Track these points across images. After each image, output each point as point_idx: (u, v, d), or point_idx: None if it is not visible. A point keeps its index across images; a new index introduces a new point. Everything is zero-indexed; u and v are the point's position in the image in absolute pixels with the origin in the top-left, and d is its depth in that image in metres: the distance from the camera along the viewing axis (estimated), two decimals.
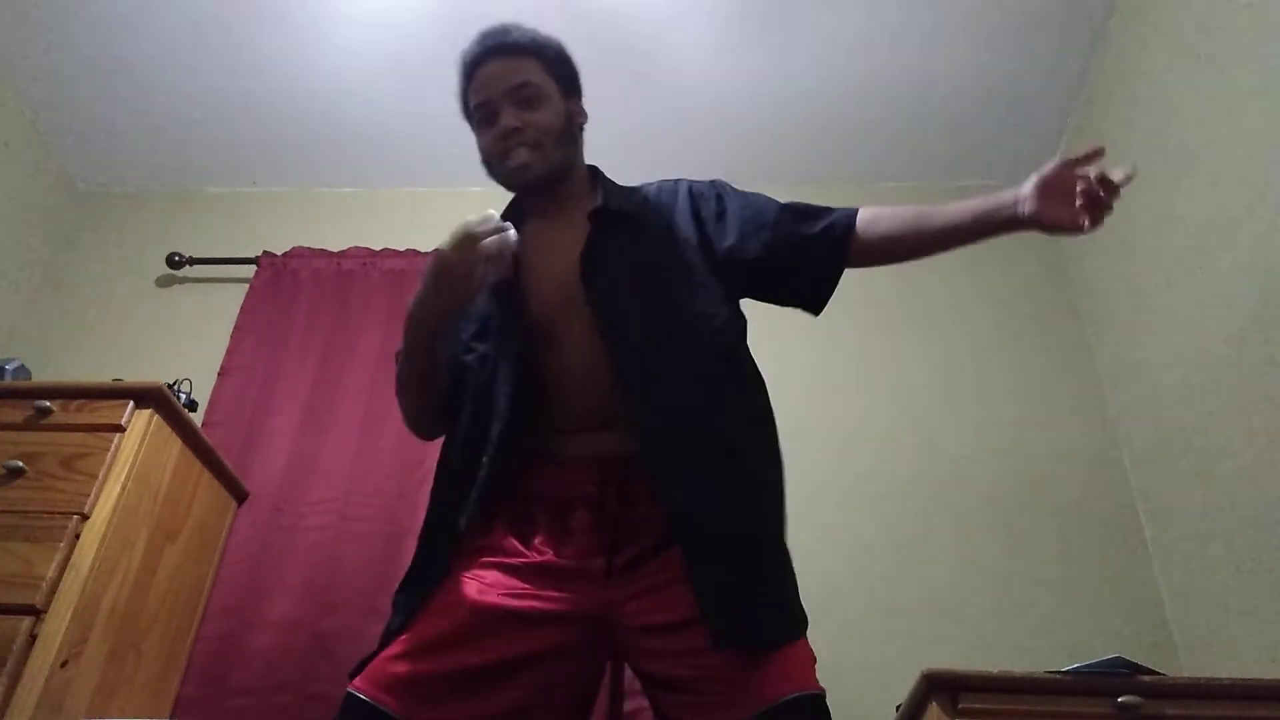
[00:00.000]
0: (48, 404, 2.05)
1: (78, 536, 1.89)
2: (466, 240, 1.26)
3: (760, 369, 1.43)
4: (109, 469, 1.98)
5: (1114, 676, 1.62)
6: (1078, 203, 1.24)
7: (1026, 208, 1.28)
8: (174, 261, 3.03)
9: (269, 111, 3.05)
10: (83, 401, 2.07)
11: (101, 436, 2.02)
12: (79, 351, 2.92)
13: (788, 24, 2.74)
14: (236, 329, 2.86)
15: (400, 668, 1.19)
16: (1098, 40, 2.73)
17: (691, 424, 1.28)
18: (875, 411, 2.72)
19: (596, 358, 1.32)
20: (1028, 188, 1.29)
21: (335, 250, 3.02)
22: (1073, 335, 2.85)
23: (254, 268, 2.99)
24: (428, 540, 1.34)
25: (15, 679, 1.72)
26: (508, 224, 1.28)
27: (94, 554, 1.88)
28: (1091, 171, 1.24)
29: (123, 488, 1.97)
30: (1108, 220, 1.26)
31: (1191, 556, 2.26)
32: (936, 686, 1.63)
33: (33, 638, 1.77)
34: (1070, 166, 1.27)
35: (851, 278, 1.45)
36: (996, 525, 2.52)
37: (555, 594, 1.23)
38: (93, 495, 1.94)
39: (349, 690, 1.19)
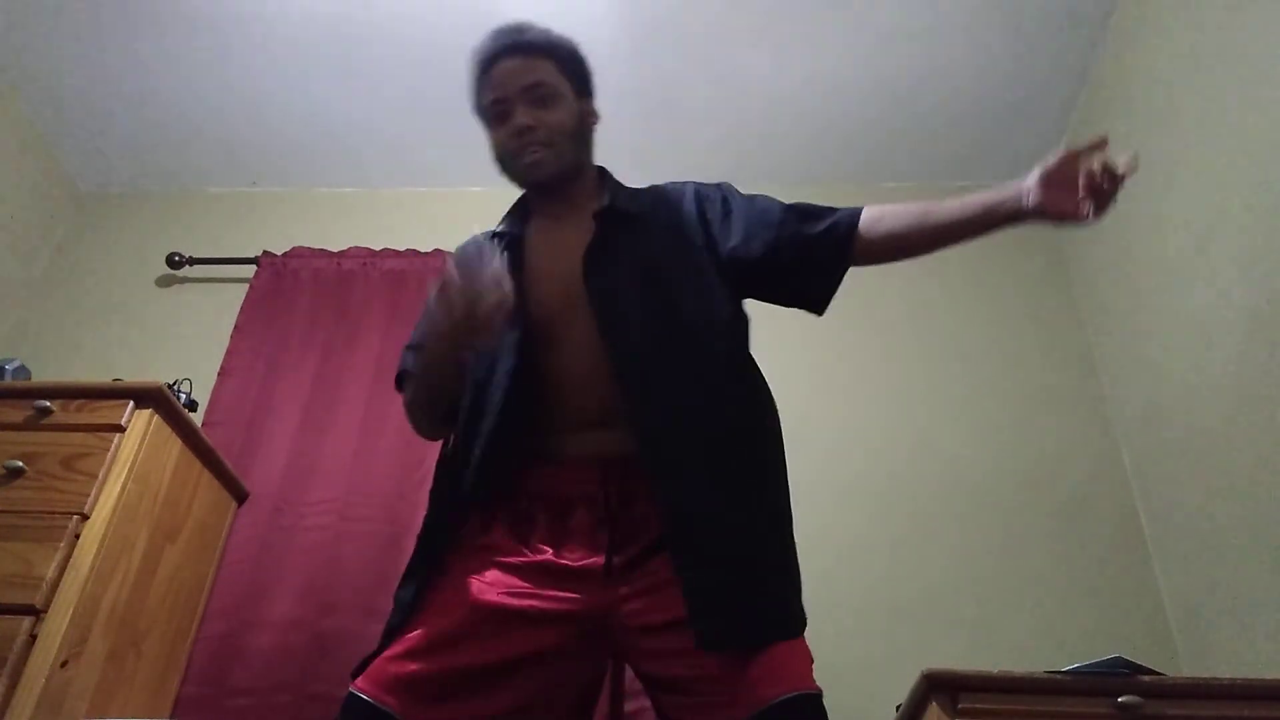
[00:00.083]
0: (48, 404, 2.05)
1: (78, 536, 1.89)
2: (473, 302, 1.21)
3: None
4: (109, 469, 1.98)
5: (1114, 676, 1.62)
6: (1081, 193, 1.25)
7: (1031, 199, 1.29)
8: (174, 261, 3.03)
9: (269, 111, 3.05)
10: (83, 401, 2.07)
11: (101, 436, 2.02)
12: (79, 351, 2.92)
13: (788, 24, 2.74)
14: (236, 329, 2.86)
15: (401, 668, 1.19)
16: (1098, 40, 2.73)
17: (692, 424, 1.28)
18: (874, 411, 2.72)
19: (597, 357, 1.32)
20: (1032, 179, 1.29)
21: (335, 250, 3.02)
22: (1073, 335, 2.85)
23: (254, 268, 3.00)
24: (427, 539, 1.34)
25: (15, 679, 1.72)
26: (502, 273, 1.22)
27: (94, 554, 1.88)
28: (1095, 161, 1.25)
29: (123, 488, 1.97)
30: (1108, 219, 1.27)
31: (1191, 556, 2.26)
32: (936, 686, 1.63)
33: (33, 638, 1.77)
34: (1074, 157, 1.27)
35: (851, 278, 1.45)
36: (996, 525, 2.52)
37: (555, 593, 1.23)
38: (93, 495, 1.94)
39: (351, 690, 1.20)
